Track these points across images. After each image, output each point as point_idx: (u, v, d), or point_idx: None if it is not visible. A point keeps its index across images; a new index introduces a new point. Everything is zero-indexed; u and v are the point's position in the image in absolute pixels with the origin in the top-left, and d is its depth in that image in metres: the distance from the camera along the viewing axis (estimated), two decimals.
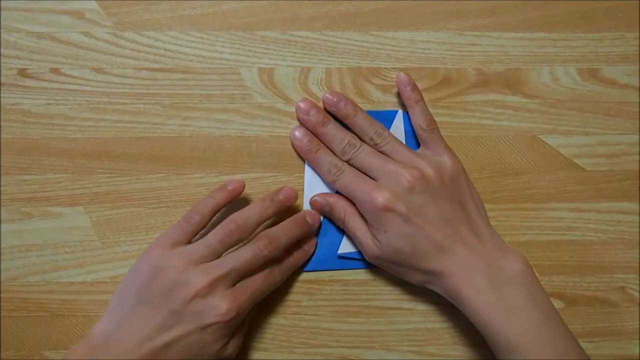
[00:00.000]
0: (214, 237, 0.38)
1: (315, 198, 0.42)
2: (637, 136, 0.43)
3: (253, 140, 0.42)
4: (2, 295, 0.42)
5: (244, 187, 0.40)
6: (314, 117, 0.41)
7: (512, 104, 0.43)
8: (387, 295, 0.43)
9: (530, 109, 0.43)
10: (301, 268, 0.42)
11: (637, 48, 0.43)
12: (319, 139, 0.41)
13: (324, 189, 0.42)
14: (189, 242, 0.38)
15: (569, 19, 0.43)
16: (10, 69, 0.42)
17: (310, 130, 0.41)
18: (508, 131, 0.43)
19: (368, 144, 0.41)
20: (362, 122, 0.41)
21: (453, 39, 0.43)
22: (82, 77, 0.42)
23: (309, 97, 0.42)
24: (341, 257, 0.42)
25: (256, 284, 0.38)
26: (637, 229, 0.43)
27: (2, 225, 0.42)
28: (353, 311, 0.43)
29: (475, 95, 0.43)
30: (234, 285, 0.37)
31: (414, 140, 0.42)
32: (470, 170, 0.43)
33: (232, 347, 0.37)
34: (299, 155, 0.42)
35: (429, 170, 0.39)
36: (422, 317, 0.43)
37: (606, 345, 0.43)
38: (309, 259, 0.42)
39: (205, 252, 0.37)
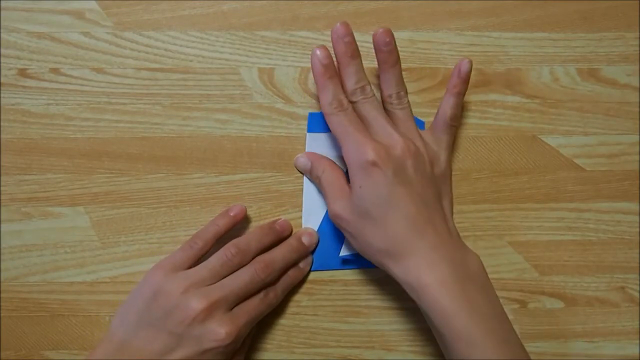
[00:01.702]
0: (215, 260, 0.39)
1: (298, 157, 0.42)
2: (637, 136, 0.43)
3: (253, 140, 0.42)
4: (2, 295, 0.42)
5: (245, 212, 0.41)
6: (347, 44, 0.38)
7: (512, 104, 0.43)
8: (387, 295, 0.43)
9: (530, 109, 0.43)
10: None
11: (637, 48, 0.43)
12: (338, 68, 0.39)
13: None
14: (191, 266, 0.39)
15: (569, 19, 0.43)
16: (10, 69, 0.42)
17: (336, 55, 0.39)
18: (508, 131, 0.43)
19: (383, 100, 0.40)
20: (395, 77, 0.39)
21: (453, 39, 0.43)
22: (82, 77, 0.42)
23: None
24: (343, 258, 0.42)
25: (253, 307, 0.38)
26: (637, 229, 0.43)
27: (2, 225, 0.42)
28: (353, 311, 0.43)
29: (475, 95, 0.43)
30: (231, 309, 0.38)
31: None
32: (470, 170, 0.43)
33: None
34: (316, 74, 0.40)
35: (424, 154, 0.38)
36: (422, 317, 0.43)
37: (606, 345, 0.43)
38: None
39: (206, 275, 0.38)
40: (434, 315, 0.35)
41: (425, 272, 0.35)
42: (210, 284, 0.38)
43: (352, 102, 0.38)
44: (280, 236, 0.41)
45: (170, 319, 0.36)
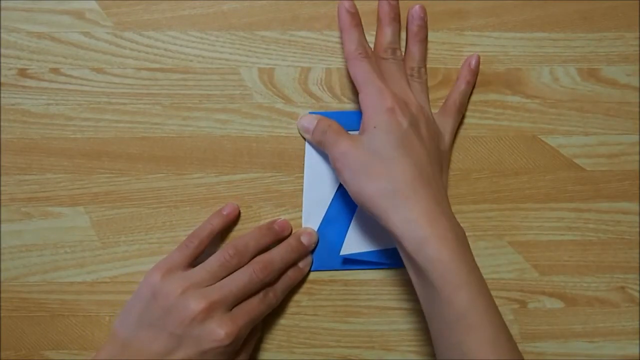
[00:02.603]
0: (214, 261, 0.39)
1: (303, 117, 0.42)
2: (637, 136, 0.43)
3: (253, 140, 0.42)
4: (2, 295, 0.42)
5: (239, 211, 0.42)
6: (392, 6, 0.40)
7: (512, 104, 0.43)
8: (387, 295, 0.43)
9: (530, 109, 0.43)
10: None
11: (637, 48, 0.43)
12: (377, 26, 0.41)
13: (323, 189, 0.42)
14: (188, 266, 0.39)
15: (569, 19, 0.43)
16: (10, 69, 0.42)
17: (379, 14, 0.41)
18: (508, 131, 0.43)
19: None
20: (420, 52, 0.41)
21: (453, 39, 0.43)
22: (82, 77, 0.42)
23: None
24: (344, 258, 0.42)
25: (253, 307, 0.38)
26: (637, 229, 0.43)
27: (2, 225, 0.42)
28: (353, 311, 0.43)
29: (475, 95, 0.43)
30: (231, 309, 0.38)
31: None
32: (470, 170, 0.43)
33: None
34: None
35: (434, 125, 0.40)
36: (422, 317, 0.43)
37: (606, 345, 0.43)
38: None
39: (205, 276, 0.38)
40: (432, 267, 0.33)
41: (427, 224, 0.34)
42: (209, 285, 0.38)
43: (380, 58, 0.39)
44: (279, 236, 0.41)
45: (170, 319, 0.36)
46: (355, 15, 0.39)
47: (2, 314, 0.42)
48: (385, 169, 0.35)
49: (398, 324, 0.43)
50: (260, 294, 0.39)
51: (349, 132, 0.39)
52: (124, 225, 0.42)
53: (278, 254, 0.40)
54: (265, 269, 0.39)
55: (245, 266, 0.39)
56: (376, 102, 0.37)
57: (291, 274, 0.41)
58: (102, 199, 0.42)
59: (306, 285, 0.43)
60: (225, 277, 0.38)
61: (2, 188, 0.42)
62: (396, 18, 0.40)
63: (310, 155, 0.42)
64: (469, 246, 0.36)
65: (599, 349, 0.43)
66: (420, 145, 0.37)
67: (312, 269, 0.42)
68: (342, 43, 0.40)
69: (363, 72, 0.38)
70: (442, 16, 0.43)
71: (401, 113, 0.36)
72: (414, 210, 0.34)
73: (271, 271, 0.39)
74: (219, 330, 0.36)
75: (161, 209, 0.42)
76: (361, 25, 0.39)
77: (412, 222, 0.34)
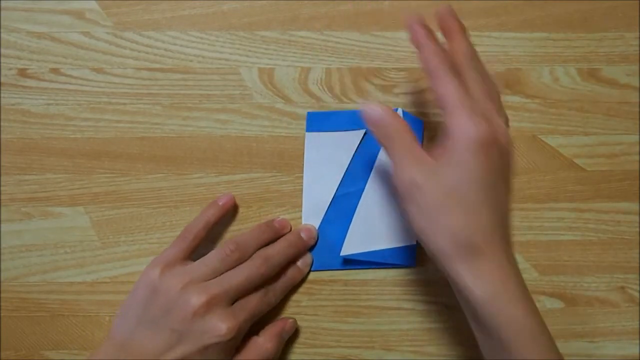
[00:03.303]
0: (214, 256, 0.38)
1: (371, 107, 0.34)
2: (637, 136, 0.43)
3: (253, 140, 0.42)
4: (2, 295, 0.42)
5: (234, 201, 0.42)
6: (452, 12, 0.36)
7: (512, 104, 0.43)
8: (387, 295, 0.43)
9: (530, 109, 0.43)
10: None
11: (637, 48, 0.43)
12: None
13: (323, 190, 0.42)
14: (185, 260, 0.39)
15: (569, 19, 0.43)
16: (10, 69, 0.42)
17: (443, 21, 0.36)
18: None
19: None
20: (465, 42, 0.36)
21: None
22: (82, 77, 0.42)
23: None
24: (344, 258, 0.42)
25: (254, 304, 0.38)
26: (637, 229, 0.43)
27: (2, 225, 0.42)
28: (353, 311, 0.43)
29: None
30: (231, 304, 0.37)
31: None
32: None
33: None
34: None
35: (512, 157, 0.34)
36: (422, 317, 0.43)
37: (606, 345, 0.43)
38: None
39: (205, 271, 0.38)
40: (503, 325, 0.31)
41: (499, 280, 0.31)
42: (209, 279, 0.37)
43: (461, 69, 0.34)
44: (279, 234, 0.41)
45: (171, 316, 0.36)
46: (429, 28, 0.35)
47: (2, 314, 0.42)
48: (463, 214, 0.31)
49: (398, 324, 0.43)
50: (261, 292, 0.39)
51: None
52: (124, 225, 0.42)
53: (278, 249, 0.40)
54: (266, 263, 0.39)
55: (247, 261, 0.39)
56: (467, 133, 0.31)
57: (290, 274, 0.41)
58: (102, 199, 0.42)
59: (306, 285, 0.43)
60: (225, 272, 0.38)
61: (2, 188, 0.42)
62: (462, 25, 0.36)
63: (310, 155, 0.42)
64: (534, 301, 0.33)
65: (599, 349, 0.43)
66: (506, 189, 0.33)
67: (312, 269, 0.42)
68: (419, 61, 0.35)
69: (452, 91, 0.33)
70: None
71: (493, 151, 0.32)
72: (487, 264, 0.31)
73: (271, 265, 0.39)
74: (221, 325, 0.36)
75: (161, 209, 0.42)
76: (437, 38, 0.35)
77: (483, 276, 0.31)
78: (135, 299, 0.37)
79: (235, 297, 0.38)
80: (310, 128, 0.42)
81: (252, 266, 0.38)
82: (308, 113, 0.42)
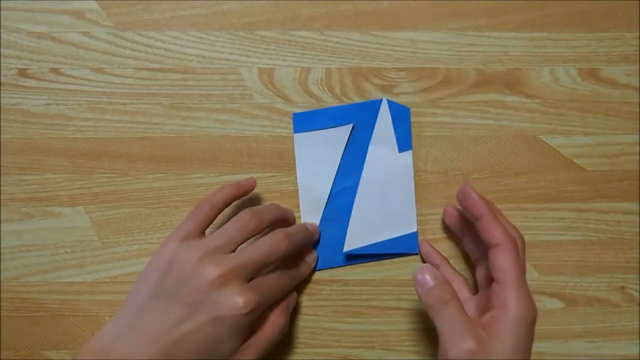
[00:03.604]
0: (230, 226, 0.37)
1: (421, 271, 0.36)
2: (637, 136, 0.43)
3: (253, 140, 0.42)
4: (2, 295, 0.42)
5: (255, 184, 0.40)
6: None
7: (512, 104, 0.43)
8: (387, 295, 0.43)
9: (530, 109, 0.43)
10: None
11: (637, 48, 0.43)
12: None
13: (319, 189, 0.42)
14: (202, 233, 0.38)
15: (569, 19, 0.43)
16: (10, 69, 0.42)
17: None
18: (508, 131, 0.43)
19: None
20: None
21: (453, 39, 0.43)
22: (82, 77, 0.42)
23: None
24: (347, 254, 0.42)
25: (272, 282, 0.37)
26: (637, 229, 0.43)
27: (2, 225, 0.42)
28: (353, 311, 0.43)
29: (475, 95, 0.43)
30: (249, 280, 0.36)
31: (402, 129, 0.42)
32: (471, 170, 0.43)
33: (250, 353, 0.36)
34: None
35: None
36: (422, 317, 0.43)
37: (606, 345, 0.43)
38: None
39: (221, 243, 0.36)
40: None
41: None
42: (227, 253, 0.36)
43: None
44: (288, 214, 0.41)
45: (186, 288, 0.34)
46: (484, 199, 0.37)
47: (2, 314, 0.42)
48: None
49: (398, 324, 0.43)
50: (277, 273, 0.38)
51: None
52: (124, 225, 0.42)
53: (296, 229, 0.39)
54: (287, 239, 0.37)
55: (268, 235, 0.37)
56: (524, 312, 0.34)
57: (302, 268, 0.41)
58: (102, 199, 0.42)
59: (306, 285, 0.43)
60: (242, 242, 0.37)
61: (2, 188, 0.42)
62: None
63: (301, 156, 0.42)
64: None
65: (599, 349, 0.43)
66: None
67: (316, 268, 0.42)
68: (485, 231, 0.36)
69: (519, 266, 0.35)
70: (442, 16, 0.43)
71: (534, 326, 0.35)
72: None
73: (292, 243, 0.37)
74: (237, 298, 0.34)
75: (161, 209, 0.42)
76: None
77: None
78: (150, 271, 0.36)
79: (253, 273, 0.36)
80: (297, 129, 0.42)
81: (272, 241, 0.37)
82: (293, 114, 0.42)
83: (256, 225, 0.37)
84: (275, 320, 0.38)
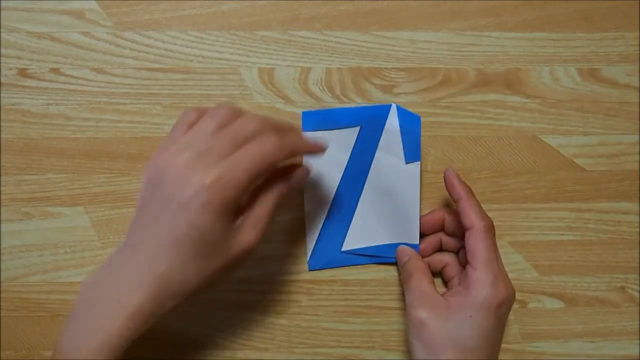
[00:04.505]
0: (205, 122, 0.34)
1: (402, 247, 0.41)
2: (637, 136, 0.43)
3: None
4: (2, 295, 0.42)
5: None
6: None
7: (512, 104, 0.43)
8: (387, 295, 0.43)
9: (530, 109, 0.43)
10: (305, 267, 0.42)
11: (637, 48, 0.43)
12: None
13: (324, 189, 0.42)
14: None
15: (569, 19, 0.43)
16: (10, 69, 0.42)
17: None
18: (508, 131, 0.43)
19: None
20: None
21: (453, 39, 0.43)
22: (82, 77, 0.42)
23: None
24: (346, 254, 0.42)
25: (239, 154, 0.32)
26: (637, 229, 0.43)
27: (2, 225, 0.42)
28: (353, 311, 0.43)
29: (475, 95, 0.43)
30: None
31: (411, 139, 0.41)
32: (471, 170, 0.43)
33: (248, 236, 0.33)
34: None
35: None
36: None
37: (606, 345, 0.43)
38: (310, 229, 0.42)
39: (202, 142, 0.33)
40: None
41: None
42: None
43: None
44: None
45: (160, 188, 0.32)
46: (465, 183, 0.39)
47: (2, 314, 0.42)
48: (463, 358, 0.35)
49: (398, 324, 0.43)
50: (262, 138, 0.33)
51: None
52: (124, 225, 0.42)
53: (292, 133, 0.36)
54: (282, 137, 0.33)
55: (260, 136, 0.33)
56: (488, 294, 0.35)
57: (299, 171, 0.37)
58: (102, 199, 0.42)
59: (306, 285, 0.43)
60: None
61: (2, 188, 0.42)
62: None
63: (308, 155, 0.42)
64: None
65: (599, 349, 0.43)
66: (501, 338, 0.37)
67: (315, 268, 0.42)
68: (462, 215, 0.38)
69: (488, 249, 0.37)
70: (442, 16, 0.43)
71: (506, 309, 0.36)
72: None
73: (288, 143, 0.34)
74: (203, 175, 0.31)
75: None
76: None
77: None
78: (142, 187, 0.34)
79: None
80: (306, 127, 0.42)
81: (266, 141, 0.33)
82: (303, 113, 0.42)
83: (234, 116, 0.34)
84: (262, 201, 0.34)
